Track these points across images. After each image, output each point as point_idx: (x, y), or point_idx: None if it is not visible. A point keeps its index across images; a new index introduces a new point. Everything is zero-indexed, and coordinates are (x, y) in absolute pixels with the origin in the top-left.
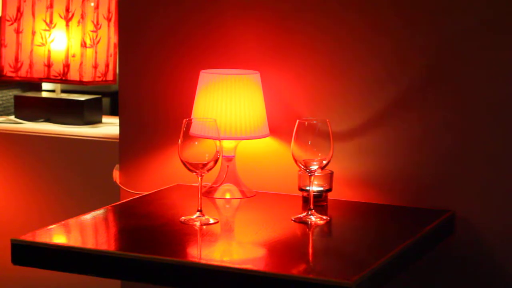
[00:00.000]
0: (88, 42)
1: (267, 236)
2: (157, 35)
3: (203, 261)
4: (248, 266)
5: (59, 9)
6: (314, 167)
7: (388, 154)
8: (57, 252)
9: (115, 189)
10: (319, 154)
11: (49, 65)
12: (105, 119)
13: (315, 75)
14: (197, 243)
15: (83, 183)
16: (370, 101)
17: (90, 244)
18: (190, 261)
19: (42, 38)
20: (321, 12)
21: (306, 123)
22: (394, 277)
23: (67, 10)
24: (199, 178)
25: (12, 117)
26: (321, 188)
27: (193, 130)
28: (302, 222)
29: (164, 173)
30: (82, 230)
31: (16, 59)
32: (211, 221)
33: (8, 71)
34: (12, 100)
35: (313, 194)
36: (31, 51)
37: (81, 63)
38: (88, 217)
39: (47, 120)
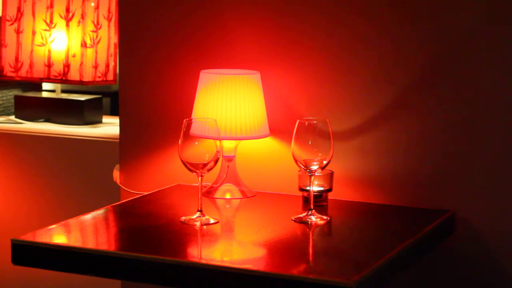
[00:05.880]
0: (88, 42)
1: (267, 236)
2: (157, 35)
3: (203, 261)
4: (248, 266)
5: (59, 9)
6: (314, 167)
7: (388, 154)
8: (57, 252)
9: (115, 189)
10: (319, 154)
11: (49, 65)
12: (105, 119)
13: (315, 75)
14: (197, 243)
15: (83, 183)
16: (370, 101)
17: (90, 244)
18: (190, 261)
19: (42, 38)
20: (321, 12)
21: (306, 123)
22: (394, 277)
23: (67, 10)
24: (199, 178)
25: (12, 117)
26: (321, 188)
27: (193, 130)
28: (302, 222)
29: (164, 173)
30: (82, 230)
31: (16, 59)
32: (212, 221)
33: (8, 71)
34: (12, 100)
35: (313, 194)
36: (31, 51)
37: (81, 63)
38: (88, 217)
39: (47, 120)
